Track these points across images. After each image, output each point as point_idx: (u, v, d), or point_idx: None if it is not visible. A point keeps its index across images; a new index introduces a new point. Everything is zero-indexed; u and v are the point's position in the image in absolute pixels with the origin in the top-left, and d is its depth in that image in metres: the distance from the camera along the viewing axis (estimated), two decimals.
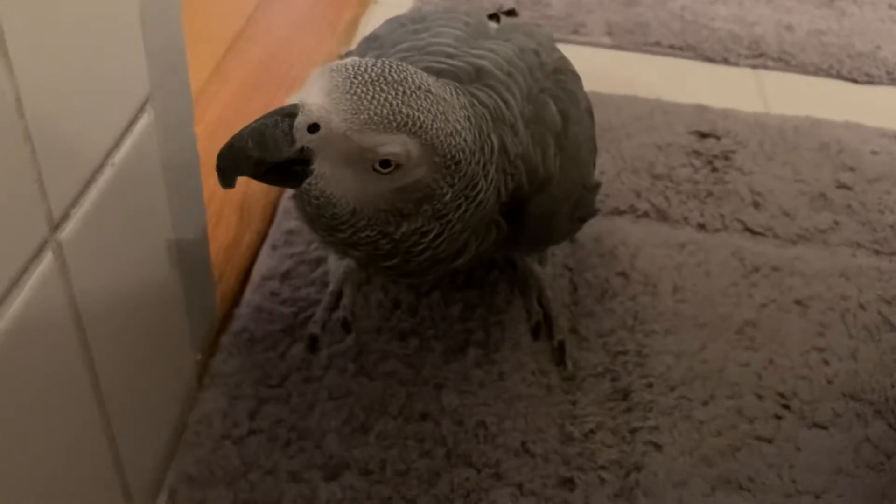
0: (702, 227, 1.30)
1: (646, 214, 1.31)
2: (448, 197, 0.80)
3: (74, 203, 0.65)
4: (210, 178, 1.21)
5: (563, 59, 1.05)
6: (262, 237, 1.21)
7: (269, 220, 1.23)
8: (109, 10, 0.66)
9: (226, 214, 1.19)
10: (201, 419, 0.96)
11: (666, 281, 1.19)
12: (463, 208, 0.82)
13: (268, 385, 1.00)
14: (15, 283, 0.59)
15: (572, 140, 0.97)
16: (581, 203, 1.02)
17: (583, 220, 1.07)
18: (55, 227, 0.63)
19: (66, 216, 0.64)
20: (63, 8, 0.60)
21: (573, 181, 0.98)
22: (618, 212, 1.31)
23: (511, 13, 1.20)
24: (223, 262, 1.13)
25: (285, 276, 1.13)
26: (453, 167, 0.78)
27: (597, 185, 1.07)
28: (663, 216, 1.31)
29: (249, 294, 1.11)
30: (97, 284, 0.70)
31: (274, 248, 1.17)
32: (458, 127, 0.78)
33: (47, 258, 0.62)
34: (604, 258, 1.22)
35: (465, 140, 0.79)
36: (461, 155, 0.78)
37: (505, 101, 0.89)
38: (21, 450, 0.64)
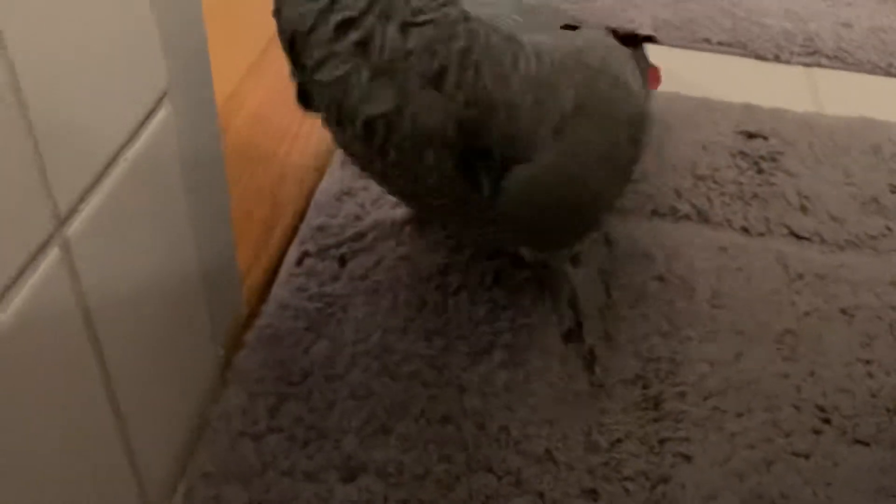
0: (745, 230, 1.25)
1: (686, 216, 1.27)
2: None
3: (83, 198, 0.65)
4: (244, 172, 1.22)
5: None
6: (293, 233, 1.20)
7: (301, 216, 1.22)
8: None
9: (256, 209, 1.19)
10: (221, 416, 0.95)
11: (704, 286, 1.15)
12: None
13: (289, 382, 0.99)
14: (17, 277, 0.58)
15: (579, 135, 0.87)
16: (582, 216, 0.96)
17: (583, 234, 1.02)
18: (62, 221, 0.62)
19: (74, 211, 0.64)
20: None
21: (570, 174, 0.88)
22: (657, 213, 1.27)
23: (650, 39, 1.18)
24: (252, 258, 1.12)
25: (312, 272, 1.12)
26: None
27: (607, 207, 1.02)
28: (704, 218, 1.27)
29: (276, 290, 1.11)
30: (109, 280, 0.70)
31: (303, 243, 1.17)
32: None
33: (53, 253, 0.62)
34: (640, 261, 1.18)
35: None
36: None
37: None
38: (30, 447, 0.64)
